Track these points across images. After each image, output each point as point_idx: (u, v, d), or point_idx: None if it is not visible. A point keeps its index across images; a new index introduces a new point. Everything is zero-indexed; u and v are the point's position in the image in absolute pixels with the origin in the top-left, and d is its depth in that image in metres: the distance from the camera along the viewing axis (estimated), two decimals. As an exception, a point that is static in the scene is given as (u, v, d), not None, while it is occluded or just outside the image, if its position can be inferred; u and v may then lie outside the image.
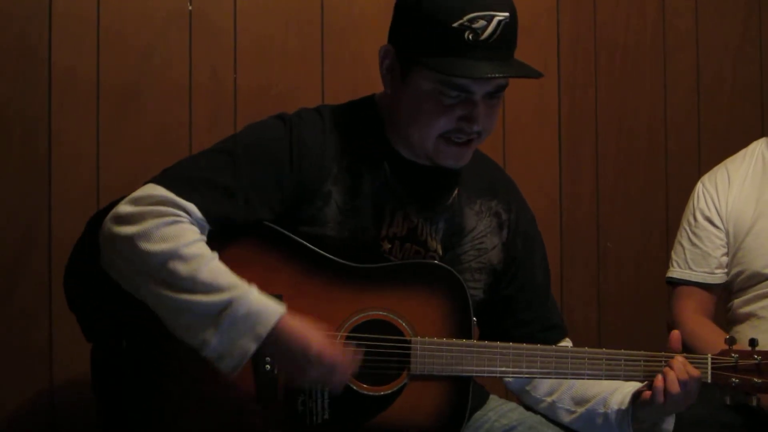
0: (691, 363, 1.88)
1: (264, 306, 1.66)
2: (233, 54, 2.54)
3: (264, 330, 1.65)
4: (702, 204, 2.51)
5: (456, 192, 1.96)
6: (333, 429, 1.79)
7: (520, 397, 2.08)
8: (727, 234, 2.47)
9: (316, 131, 1.86)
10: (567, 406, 1.99)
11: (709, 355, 1.91)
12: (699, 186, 2.56)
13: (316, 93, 2.59)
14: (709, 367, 1.90)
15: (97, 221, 1.75)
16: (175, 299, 1.65)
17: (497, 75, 1.76)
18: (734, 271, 2.46)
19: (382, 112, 1.92)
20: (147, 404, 1.77)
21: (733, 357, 1.90)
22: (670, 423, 1.93)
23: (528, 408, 2.06)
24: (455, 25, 1.73)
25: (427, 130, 1.81)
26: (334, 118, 1.90)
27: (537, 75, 1.80)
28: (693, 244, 2.50)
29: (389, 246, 1.88)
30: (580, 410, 1.97)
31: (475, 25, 1.74)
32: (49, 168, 2.35)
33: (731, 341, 1.93)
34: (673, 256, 2.54)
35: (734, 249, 2.46)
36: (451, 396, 1.85)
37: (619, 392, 1.93)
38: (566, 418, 1.99)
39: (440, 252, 1.93)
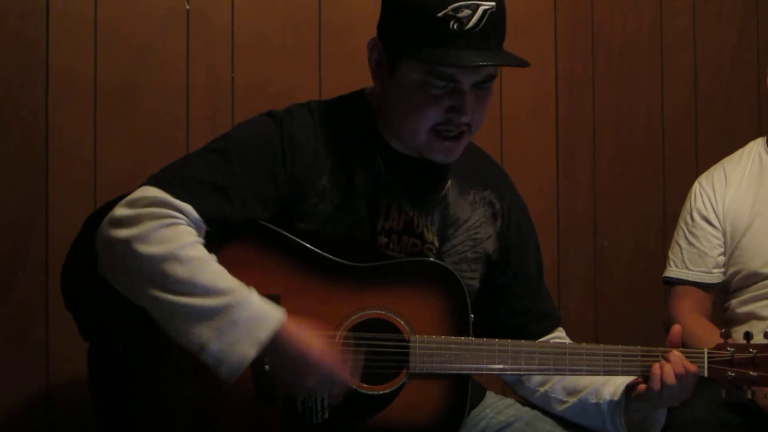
0: (688, 357, 1.88)
1: (264, 311, 1.65)
2: (231, 52, 2.54)
3: (265, 335, 1.64)
4: (699, 203, 2.52)
5: (449, 183, 1.96)
6: (333, 429, 1.79)
7: (513, 388, 2.09)
8: (724, 233, 2.48)
9: (307, 127, 1.86)
10: (559, 396, 1.99)
11: (706, 349, 1.92)
12: (696, 185, 2.57)
13: (313, 91, 2.59)
14: (706, 361, 1.90)
15: (94, 220, 1.75)
16: (173, 302, 1.64)
17: (482, 63, 1.76)
18: (731, 270, 2.46)
19: (372, 105, 1.92)
20: (144, 403, 1.77)
21: (728, 351, 1.91)
22: (661, 416, 1.95)
23: (521, 399, 2.07)
24: (440, 14, 1.74)
25: (417, 122, 1.81)
26: (324, 113, 1.90)
27: (523, 64, 1.80)
28: (690, 243, 2.50)
29: (386, 240, 1.88)
30: (572, 400, 1.97)
31: (460, 15, 1.74)
32: (47, 166, 2.35)
33: (726, 335, 1.93)
34: (670, 255, 2.55)
35: (731, 248, 2.46)
36: (450, 394, 1.85)
37: (611, 383, 1.93)
38: (558, 408, 2.00)
39: (437, 243, 1.93)
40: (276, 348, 1.66)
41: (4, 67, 2.33)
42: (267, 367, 1.75)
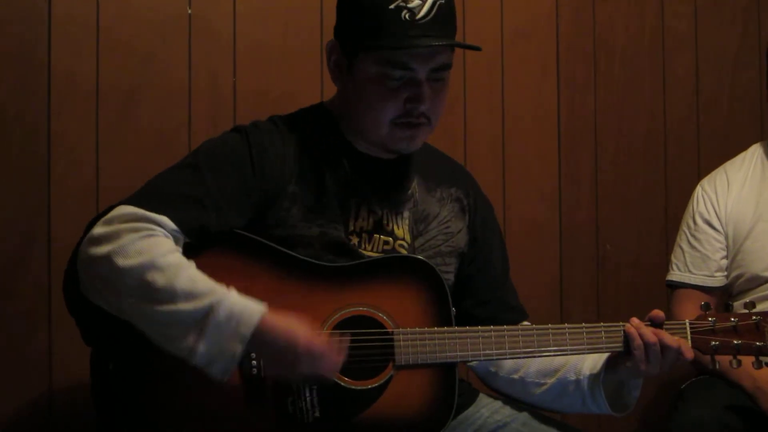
0: (670, 329, 1.92)
1: (244, 306, 1.68)
2: (233, 58, 2.54)
3: (248, 330, 1.66)
4: (701, 207, 2.52)
5: (415, 182, 2.00)
6: (324, 427, 1.80)
7: (486, 381, 2.10)
8: (727, 237, 2.48)
9: (273, 137, 1.90)
10: (535, 379, 2.01)
11: (687, 320, 1.95)
12: (698, 189, 2.57)
13: (314, 96, 2.58)
14: (688, 332, 1.94)
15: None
16: (156, 311, 1.66)
17: (433, 44, 1.82)
18: (734, 274, 2.46)
19: (333, 112, 1.98)
20: (145, 408, 1.77)
21: (710, 321, 1.95)
22: (637, 382, 1.96)
23: (494, 392, 2.08)
24: (391, 6, 1.82)
25: (377, 116, 1.87)
26: (288, 124, 1.95)
27: (472, 47, 1.89)
28: (692, 247, 2.50)
29: (357, 240, 1.91)
30: (551, 381, 1.99)
31: (411, 5, 1.82)
32: (49, 171, 2.35)
33: (706, 307, 1.97)
34: (673, 259, 2.55)
35: (734, 252, 2.46)
36: (439, 386, 1.87)
37: (590, 359, 1.95)
38: (536, 391, 2.01)
39: (408, 239, 1.97)
40: (261, 341, 1.67)
41: (7, 72, 2.34)
42: (254, 370, 1.77)
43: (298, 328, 1.70)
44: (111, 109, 2.41)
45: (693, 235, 2.51)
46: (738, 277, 2.45)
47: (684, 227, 2.55)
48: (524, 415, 2.01)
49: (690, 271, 2.50)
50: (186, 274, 1.68)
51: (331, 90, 2.60)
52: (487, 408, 2.03)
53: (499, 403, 2.05)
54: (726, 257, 2.48)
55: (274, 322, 1.69)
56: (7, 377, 2.31)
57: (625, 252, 3.02)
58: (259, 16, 2.57)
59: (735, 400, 2.25)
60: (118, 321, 1.73)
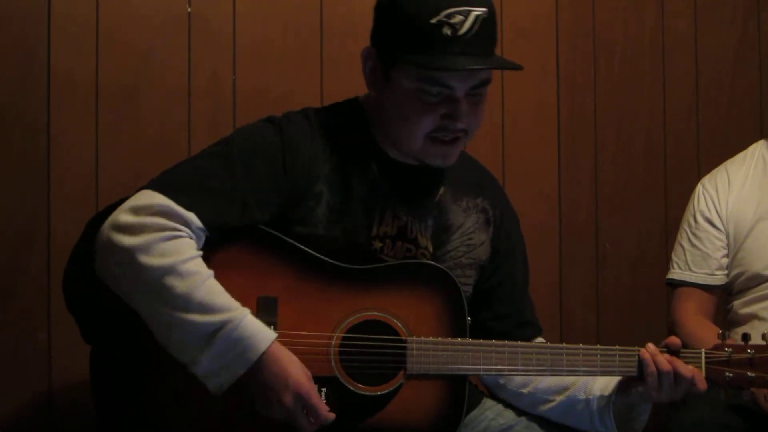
0: (685, 358, 1.89)
1: (255, 332, 1.67)
2: (232, 56, 2.54)
3: (254, 356, 1.66)
4: (702, 205, 2.52)
5: (442, 190, 1.97)
6: (330, 430, 1.79)
7: (494, 392, 2.09)
8: (728, 235, 2.48)
9: (305, 133, 1.87)
10: (544, 395, 1.99)
11: (703, 350, 1.92)
12: (699, 187, 2.57)
13: (314, 95, 2.59)
14: (703, 362, 1.91)
15: (96, 224, 1.75)
16: (169, 315, 1.65)
17: (475, 67, 1.78)
18: (734, 272, 2.46)
19: (367, 112, 1.94)
20: (145, 407, 1.77)
21: (726, 351, 1.92)
22: (646, 407, 1.94)
23: (503, 403, 2.06)
24: (433, 21, 1.76)
25: (412, 130, 1.83)
26: (320, 120, 1.91)
27: (515, 67, 1.83)
28: (693, 245, 2.50)
29: (380, 245, 1.90)
30: (559, 398, 1.97)
31: (453, 21, 1.76)
32: (48, 170, 2.35)
33: (723, 336, 1.94)
34: (674, 257, 2.55)
35: (734, 250, 2.46)
36: (448, 396, 1.86)
37: (601, 379, 1.94)
38: (543, 408, 1.99)
39: (431, 249, 1.94)
40: (261, 367, 1.67)
41: (6, 72, 2.33)
42: None
43: (296, 370, 1.69)
44: (110, 108, 2.41)
45: (694, 234, 2.51)
46: (738, 275, 2.45)
47: (685, 225, 2.55)
48: (527, 419, 2.00)
49: (691, 270, 2.49)
50: (205, 285, 1.67)
51: (330, 89, 2.60)
52: (491, 411, 2.03)
53: (501, 406, 2.04)
54: (727, 256, 2.48)
55: (277, 354, 1.69)
56: (7, 377, 2.31)
57: (625, 251, 3.02)
58: (258, 15, 2.56)
59: (735, 401, 2.24)
60: (117, 320, 1.73)
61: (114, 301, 1.73)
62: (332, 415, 1.72)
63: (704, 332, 2.39)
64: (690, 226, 2.53)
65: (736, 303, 2.46)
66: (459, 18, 1.76)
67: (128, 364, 1.77)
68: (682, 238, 2.54)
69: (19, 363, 2.32)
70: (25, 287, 2.33)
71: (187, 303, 1.65)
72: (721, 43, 3.14)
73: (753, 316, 2.41)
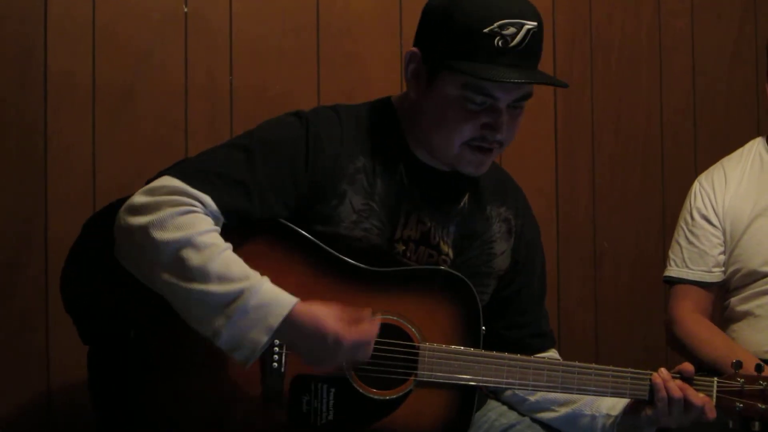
0: (697, 386, 1.89)
1: (275, 297, 1.65)
2: (229, 56, 2.54)
3: (275, 321, 1.63)
4: (699, 203, 2.52)
5: (467, 197, 1.96)
6: (336, 430, 1.79)
7: (499, 397, 2.09)
8: (724, 232, 2.48)
9: (332, 129, 1.86)
10: (549, 405, 1.99)
11: (716, 379, 1.92)
12: (696, 185, 2.57)
13: (312, 94, 2.59)
14: (715, 390, 1.91)
15: (93, 223, 1.75)
16: (187, 289, 1.63)
17: (527, 81, 1.77)
18: (731, 269, 2.46)
19: (399, 114, 1.92)
20: (144, 407, 1.76)
21: (739, 381, 1.91)
22: (651, 430, 1.94)
23: (507, 406, 2.06)
24: (486, 30, 1.75)
25: (451, 136, 1.82)
26: (350, 118, 1.90)
27: (563, 85, 1.84)
28: (690, 242, 2.50)
29: (403, 248, 1.89)
30: (564, 410, 1.98)
31: (506, 32, 1.75)
32: (46, 170, 2.35)
33: (737, 365, 1.93)
34: (671, 255, 2.55)
35: (731, 247, 2.46)
36: (456, 404, 1.86)
37: (610, 398, 1.94)
38: (546, 415, 2.00)
39: (452, 255, 1.93)
40: (290, 332, 1.65)
41: (3, 71, 2.33)
42: (275, 365, 1.75)
43: (326, 322, 1.66)
44: (108, 108, 2.41)
45: (690, 231, 2.51)
46: (735, 272, 2.45)
47: (681, 223, 2.55)
48: (530, 418, 2.00)
49: (688, 267, 2.49)
50: (222, 256, 1.65)
51: (327, 88, 2.60)
52: (494, 411, 2.03)
53: (505, 407, 2.04)
54: (723, 253, 2.48)
55: (303, 314, 1.65)
56: (6, 376, 2.31)
57: (622, 250, 3.02)
58: (255, 14, 2.56)
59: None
60: (114, 321, 1.72)
61: (111, 302, 1.73)
62: (377, 323, 1.70)
63: (701, 330, 2.40)
64: (687, 223, 2.53)
65: (733, 300, 2.46)
66: (512, 30, 1.75)
67: (126, 365, 1.77)
68: (679, 236, 2.54)
69: (17, 363, 2.32)
70: (23, 287, 2.33)
71: (204, 275, 1.63)
72: (719, 42, 3.15)
73: (750, 313, 2.41)
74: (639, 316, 2.99)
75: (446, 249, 1.93)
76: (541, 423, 2.00)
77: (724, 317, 2.50)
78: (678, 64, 3.10)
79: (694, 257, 2.49)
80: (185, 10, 2.49)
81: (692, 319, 2.43)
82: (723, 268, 2.48)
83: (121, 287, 1.74)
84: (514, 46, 1.76)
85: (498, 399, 2.08)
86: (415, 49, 1.87)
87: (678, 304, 2.48)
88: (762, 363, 1.94)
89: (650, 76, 3.07)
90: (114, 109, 2.42)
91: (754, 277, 2.41)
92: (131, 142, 2.42)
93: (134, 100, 2.44)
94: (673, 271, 2.52)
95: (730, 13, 3.15)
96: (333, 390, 1.79)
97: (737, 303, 2.45)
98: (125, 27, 2.43)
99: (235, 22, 2.54)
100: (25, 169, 2.34)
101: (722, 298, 2.52)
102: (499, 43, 1.75)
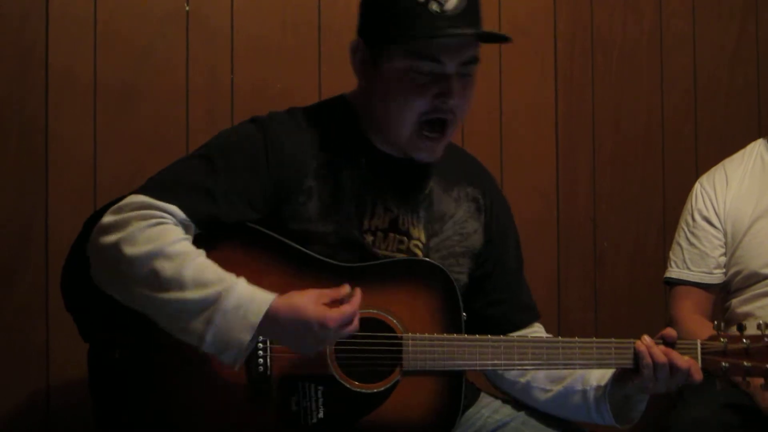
0: (681, 349, 1.89)
1: (251, 296, 1.67)
2: (230, 54, 2.54)
3: (256, 318, 1.65)
4: (700, 204, 2.52)
5: (432, 181, 1.98)
6: (327, 428, 1.80)
7: (492, 381, 2.09)
8: (725, 234, 2.48)
9: (290, 129, 1.88)
10: (541, 385, 1.99)
11: (699, 341, 1.92)
12: (697, 186, 2.57)
13: (312, 92, 2.59)
14: (699, 352, 1.91)
15: (94, 221, 1.75)
16: (165, 300, 1.65)
17: (463, 32, 1.80)
18: (732, 270, 2.46)
19: (355, 107, 1.95)
20: (143, 405, 1.77)
21: (722, 341, 1.92)
22: (643, 397, 1.94)
23: (500, 391, 2.07)
24: (420, 0, 1.79)
25: (402, 112, 1.84)
26: (306, 117, 1.92)
27: (503, 38, 1.87)
28: (691, 244, 2.50)
29: (372, 238, 1.90)
30: (557, 388, 1.98)
31: None
32: (46, 168, 2.35)
33: (719, 327, 1.95)
34: (671, 256, 2.55)
35: (732, 249, 2.46)
36: (445, 392, 1.86)
37: (598, 370, 1.94)
38: (541, 397, 2.00)
39: (423, 239, 1.95)
40: (273, 327, 1.67)
41: (4, 69, 2.33)
42: (260, 368, 1.76)
43: (306, 309, 1.67)
44: (109, 105, 2.41)
45: (691, 232, 2.51)
46: (736, 273, 2.45)
47: (682, 224, 2.55)
48: (524, 414, 2.00)
49: (688, 268, 2.50)
50: (195, 263, 1.67)
51: (328, 85, 2.60)
52: (487, 408, 2.03)
53: (499, 403, 2.04)
54: (724, 254, 2.48)
55: (281, 306, 1.67)
56: (5, 374, 2.31)
57: (623, 249, 3.02)
58: (256, 11, 2.56)
59: (734, 399, 2.25)
60: (115, 318, 1.72)
61: (112, 299, 1.73)
62: (358, 295, 1.72)
63: (702, 331, 2.39)
64: (688, 224, 2.53)
65: (734, 301, 2.47)
66: None
67: (126, 363, 1.77)
68: (680, 237, 2.54)
69: (17, 361, 2.32)
70: (24, 285, 2.33)
71: (180, 283, 1.64)
72: (719, 42, 3.14)
73: (750, 315, 2.41)
74: (639, 315, 2.99)
75: (417, 233, 1.94)
76: (536, 415, 2.00)
77: (724, 319, 2.50)
78: (679, 64, 3.10)
79: (695, 258, 2.49)
80: (186, 7, 2.49)
81: (693, 321, 2.43)
82: (724, 270, 2.48)
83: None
84: (451, 9, 1.80)
85: (494, 386, 2.08)
86: (357, 38, 1.91)
87: (678, 305, 2.49)
88: (743, 323, 1.94)
89: (651, 76, 3.06)
90: (115, 107, 2.42)
91: (755, 278, 2.41)
92: (132, 140, 2.42)
93: (135, 97, 2.44)
94: (673, 272, 2.52)
95: (731, 14, 3.15)
96: (321, 388, 1.80)
97: (738, 305, 2.45)
98: (126, 24, 2.43)
99: (237, 19, 2.54)
100: (26, 167, 2.34)
101: (723, 300, 2.53)
102: (435, 8, 1.79)
